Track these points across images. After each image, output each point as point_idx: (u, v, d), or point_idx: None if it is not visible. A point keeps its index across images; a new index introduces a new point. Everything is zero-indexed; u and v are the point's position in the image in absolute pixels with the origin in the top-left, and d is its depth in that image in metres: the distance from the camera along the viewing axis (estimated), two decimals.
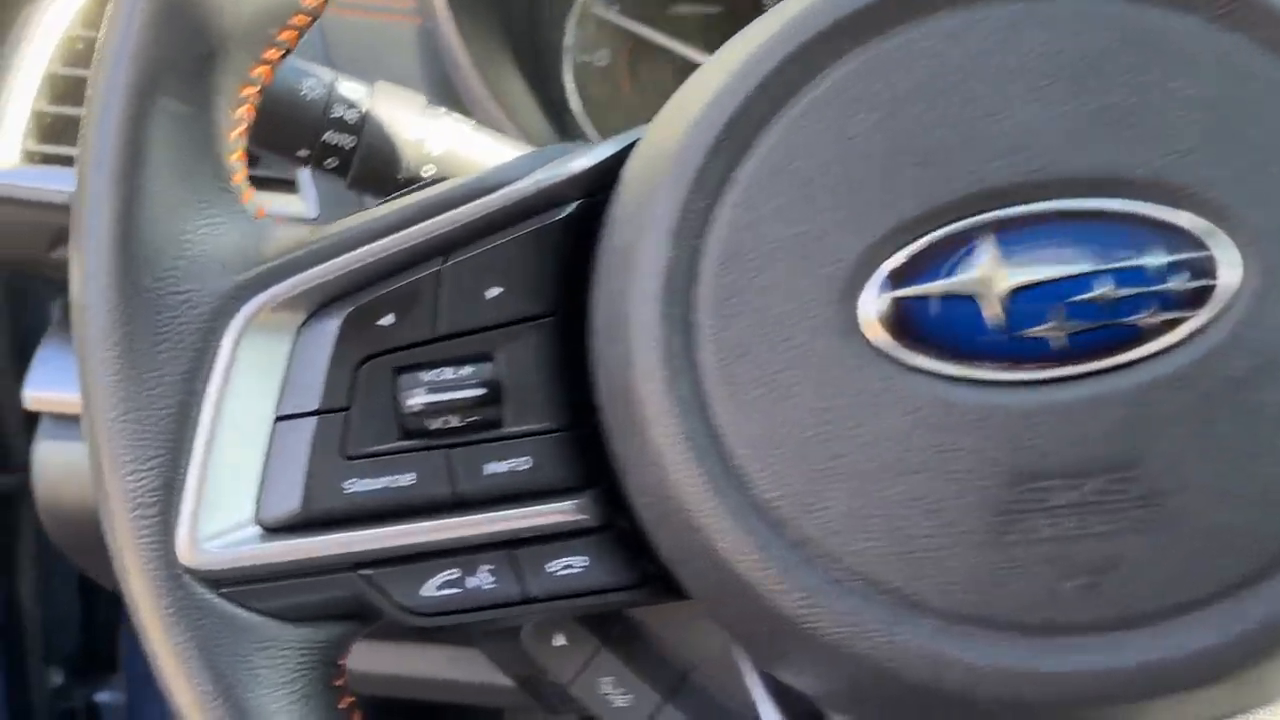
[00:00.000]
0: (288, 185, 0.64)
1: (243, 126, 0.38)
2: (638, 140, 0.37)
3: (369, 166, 0.49)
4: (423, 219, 0.37)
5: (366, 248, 0.36)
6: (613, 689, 0.42)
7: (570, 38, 0.71)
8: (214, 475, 0.35)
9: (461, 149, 0.50)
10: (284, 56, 0.39)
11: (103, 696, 1.04)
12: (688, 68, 0.69)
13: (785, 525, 0.31)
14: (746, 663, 0.38)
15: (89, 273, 0.35)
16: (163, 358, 0.35)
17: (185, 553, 0.35)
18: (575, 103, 0.71)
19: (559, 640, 0.42)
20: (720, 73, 0.34)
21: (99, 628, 1.04)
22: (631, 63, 0.72)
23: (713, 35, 0.70)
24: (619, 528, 0.36)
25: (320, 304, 0.37)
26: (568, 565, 0.36)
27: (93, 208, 0.36)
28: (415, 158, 0.49)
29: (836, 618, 0.31)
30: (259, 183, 0.47)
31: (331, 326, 0.36)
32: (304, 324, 0.37)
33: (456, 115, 0.51)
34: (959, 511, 0.31)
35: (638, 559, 0.36)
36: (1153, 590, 0.30)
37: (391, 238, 0.36)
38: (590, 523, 0.36)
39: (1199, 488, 0.30)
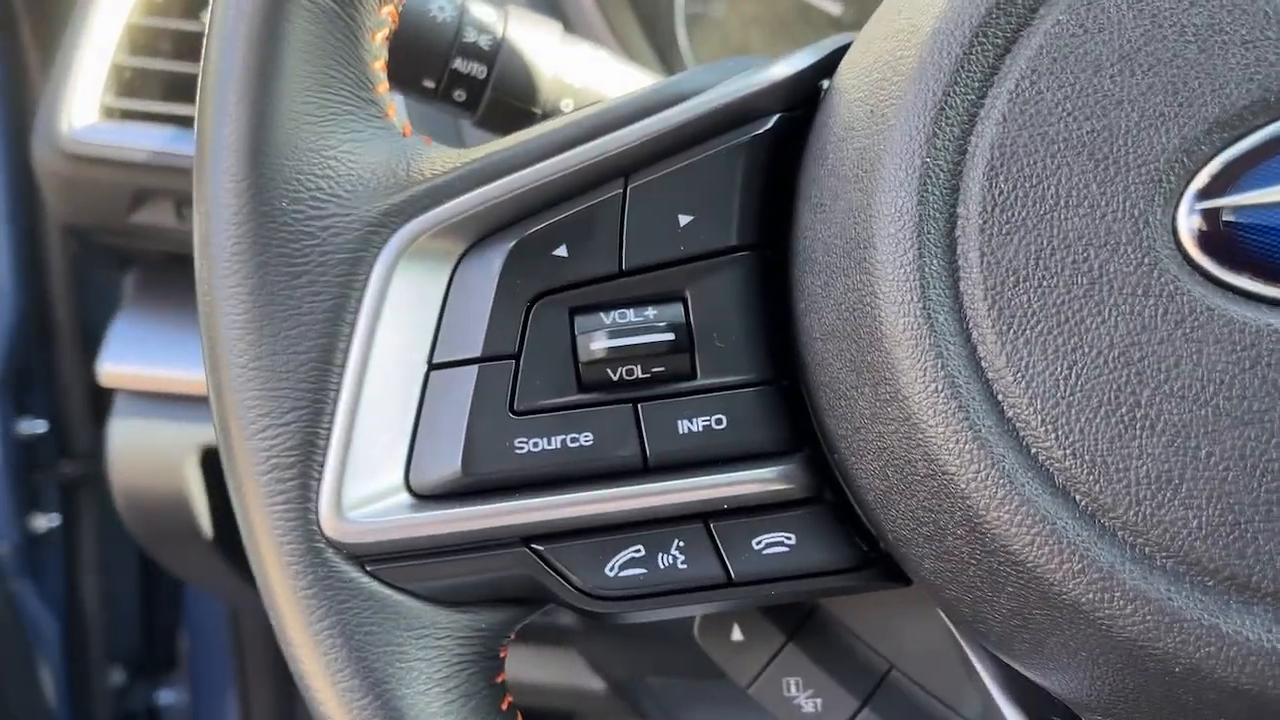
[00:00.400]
0: None
1: (387, 29, 0.33)
2: (848, 44, 0.32)
3: (500, 99, 0.43)
4: (599, 134, 0.31)
5: (536, 167, 0.31)
6: (799, 691, 0.36)
7: None
8: (360, 433, 0.30)
9: (604, 82, 0.44)
10: None
11: (165, 698, 1.01)
12: (813, 14, 0.64)
13: (1076, 491, 0.26)
14: (985, 663, 0.32)
15: (214, 196, 0.30)
16: (301, 294, 0.30)
17: (328, 523, 0.30)
18: (683, 40, 0.66)
19: (736, 635, 0.37)
20: None
21: (159, 625, 1.01)
22: (745, 17, 0.66)
23: None
24: (825, 500, 0.31)
25: (482, 233, 0.32)
26: (776, 543, 0.31)
27: (218, 119, 0.30)
28: (553, 90, 0.44)
29: (1140, 604, 0.26)
30: None
31: (495, 259, 0.31)
32: (463, 256, 0.32)
33: (594, 44, 0.46)
34: None
35: (850, 537, 0.31)
36: None
37: (564, 155, 0.31)
38: (797, 493, 0.31)
39: None
